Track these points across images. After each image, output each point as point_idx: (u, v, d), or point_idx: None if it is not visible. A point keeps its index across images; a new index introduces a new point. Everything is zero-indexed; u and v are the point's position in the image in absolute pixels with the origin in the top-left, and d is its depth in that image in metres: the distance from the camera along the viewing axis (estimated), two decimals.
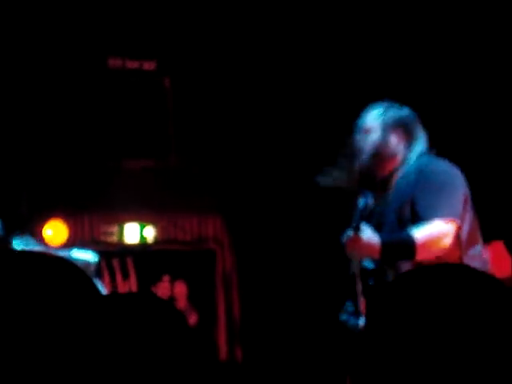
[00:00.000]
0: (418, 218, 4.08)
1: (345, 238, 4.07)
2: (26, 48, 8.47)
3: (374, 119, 4.38)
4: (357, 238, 3.99)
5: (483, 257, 4.41)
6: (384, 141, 4.34)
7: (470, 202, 4.27)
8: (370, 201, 4.28)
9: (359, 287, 4.11)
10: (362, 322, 4.02)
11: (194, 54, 9.04)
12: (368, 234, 4.00)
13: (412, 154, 4.33)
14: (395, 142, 4.34)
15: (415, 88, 7.87)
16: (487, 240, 7.43)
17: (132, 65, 8.90)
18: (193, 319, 9.39)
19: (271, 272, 8.80)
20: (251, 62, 8.92)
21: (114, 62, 8.81)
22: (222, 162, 9.28)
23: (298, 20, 8.56)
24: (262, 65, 8.94)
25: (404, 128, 4.36)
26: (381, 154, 4.36)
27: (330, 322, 4.67)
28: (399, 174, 4.30)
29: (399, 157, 4.37)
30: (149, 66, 8.95)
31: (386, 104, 4.47)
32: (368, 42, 8.19)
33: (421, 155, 4.35)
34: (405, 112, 4.45)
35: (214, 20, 8.76)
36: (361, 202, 4.18)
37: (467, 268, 1.49)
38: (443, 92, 7.91)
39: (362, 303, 4.09)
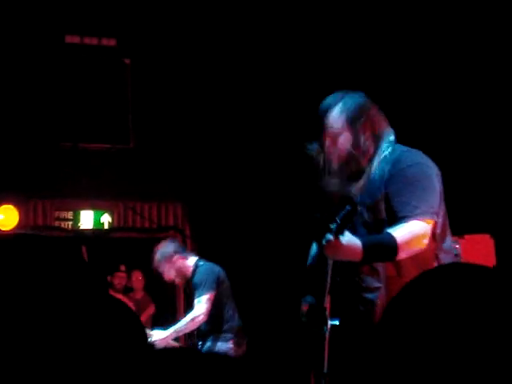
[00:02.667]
0: (394, 216, 3.86)
1: (324, 242, 3.83)
2: None
3: (336, 120, 4.08)
4: (337, 242, 3.76)
5: (455, 248, 4.21)
6: (355, 141, 4.07)
7: (442, 195, 4.06)
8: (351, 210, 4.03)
9: (328, 284, 3.89)
10: (332, 321, 3.84)
11: (156, 35, 8.73)
12: (348, 238, 3.78)
13: (382, 142, 4.07)
14: (364, 137, 4.07)
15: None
16: (475, 232, 7.43)
17: (91, 41, 8.52)
18: (151, 310, 9.07)
19: (232, 261, 8.53)
20: (215, 42, 8.64)
21: (72, 39, 8.43)
22: (182, 147, 8.97)
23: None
24: (226, 47, 8.67)
25: (367, 116, 4.08)
26: (355, 156, 4.10)
27: (290, 316, 4.53)
28: (372, 168, 4.04)
29: (371, 150, 4.10)
30: (109, 42, 8.58)
31: (340, 96, 4.16)
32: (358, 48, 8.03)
33: (391, 144, 4.10)
34: (361, 98, 4.15)
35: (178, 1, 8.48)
36: (346, 207, 3.92)
37: (485, 268, 1.49)
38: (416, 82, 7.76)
39: (328, 300, 3.88)
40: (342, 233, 3.77)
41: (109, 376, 1.48)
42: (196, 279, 6.51)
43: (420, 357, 1.38)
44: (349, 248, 3.76)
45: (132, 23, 8.68)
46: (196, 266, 6.56)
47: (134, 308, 9.08)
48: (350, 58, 7.99)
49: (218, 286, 6.46)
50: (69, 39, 8.52)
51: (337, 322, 3.85)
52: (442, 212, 4.02)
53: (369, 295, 3.91)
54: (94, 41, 8.63)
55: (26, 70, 8.42)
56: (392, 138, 4.12)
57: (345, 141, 4.03)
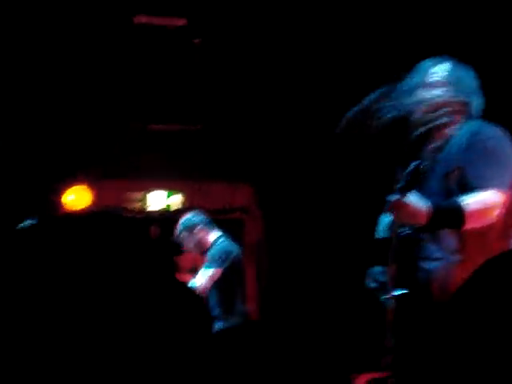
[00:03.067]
0: (467, 187, 3.79)
1: (390, 201, 3.77)
2: (53, 7, 8.16)
3: (442, 71, 4.07)
4: (403, 202, 3.70)
5: None
6: (451, 98, 4.03)
7: None
8: (423, 164, 3.97)
9: (393, 252, 3.83)
10: (396, 291, 3.79)
11: (227, 16, 8.71)
12: (416, 199, 3.71)
13: (469, 112, 4.04)
14: (459, 99, 4.04)
15: None
16: None
17: (159, 21, 8.53)
18: None
19: (301, 241, 8.50)
20: (287, 20, 8.57)
21: (141, 19, 8.45)
22: (252, 128, 8.95)
23: None
24: (295, 29, 8.60)
25: (466, 86, 4.05)
26: (444, 111, 4.04)
27: (357, 289, 4.52)
28: (452, 134, 3.99)
29: (457, 119, 4.06)
30: (178, 22, 8.57)
31: (449, 60, 4.16)
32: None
33: (472, 119, 4.05)
34: (469, 72, 4.13)
35: None
36: (412, 164, 3.89)
37: None
38: None
39: (393, 269, 3.82)
40: (408, 192, 3.73)
41: (171, 356, 1.47)
42: (209, 253, 6.58)
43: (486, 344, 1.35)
44: (414, 208, 3.73)
45: (201, 3, 8.66)
46: (215, 241, 6.56)
47: None
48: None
49: (228, 264, 6.47)
50: (137, 19, 8.55)
51: (401, 292, 3.79)
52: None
53: (427, 265, 3.83)
54: (164, 21, 8.64)
55: (95, 51, 8.48)
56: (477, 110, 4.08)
57: (443, 92, 4.01)
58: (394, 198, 3.76)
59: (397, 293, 3.80)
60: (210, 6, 8.52)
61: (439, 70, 4.11)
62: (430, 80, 4.09)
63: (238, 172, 8.94)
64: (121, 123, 8.65)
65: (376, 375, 6.93)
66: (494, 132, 3.96)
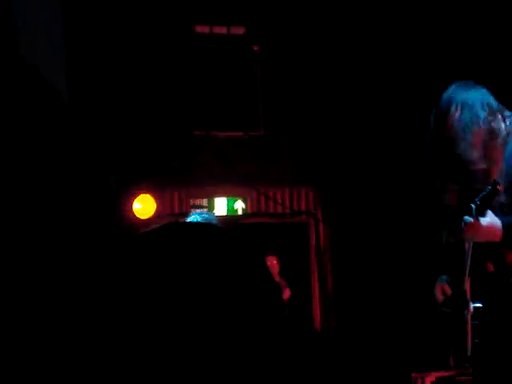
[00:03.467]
0: None
1: (464, 223, 3.78)
2: (114, 16, 8.31)
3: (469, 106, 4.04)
4: (476, 223, 3.70)
5: None
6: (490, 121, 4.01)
7: None
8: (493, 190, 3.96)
9: (467, 266, 3.84)
10: (475, 305, 3.81)
11: (285, 22, 8.78)
12: (489, 219, 3.72)
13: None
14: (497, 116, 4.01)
15: None
16: None
17: (220, 30, 8.64)
18: (286, 294, 9.16)
19: (364, 245, 8.51)
20: (343, 28, 8.62)
21: (202, 28, 8.57)
22: (313, 132, 9.00)
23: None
24: (358, 36, 8.63)
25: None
26: (493, 134, 4.03)
27: (423, 298, 4.51)
28: (508, 146, 3.98)
29: (504, 128, 4.04)
30: (237, 31, 8.68)
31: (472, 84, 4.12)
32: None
33: None
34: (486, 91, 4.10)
35: None
36: (488, 188, 3.88)
37: None
38: None
39: (468, 282, 3.83)
40: (482, 214, 3.72)
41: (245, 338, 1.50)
42: None
43: None
44: (489, 229, 3.71)
45: (260, 10, 8.75)
46: None
47: None
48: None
49: None
50: (199, 29, 8.67)
51: (479, 305, 3.80)
52: None
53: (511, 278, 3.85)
54: (223, 30, 8.75)
55: (158, 60, 8.62)
56: None
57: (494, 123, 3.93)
58: (467, 219, 3.77)
59: (475, 305, 3.82)
60: (267, 14, 8.61)
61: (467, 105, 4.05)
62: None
63: (301, 176, 9.00)
64: (184, 131, 8.76)
65: (442, 374, 6.93)
66: None
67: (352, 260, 8.66)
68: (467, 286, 3.88)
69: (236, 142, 8.99)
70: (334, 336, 8.61)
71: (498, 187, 3.75)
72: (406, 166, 8.44)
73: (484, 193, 3.76)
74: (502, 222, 3.72)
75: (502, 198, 3.87)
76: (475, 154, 3.96)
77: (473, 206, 3.73)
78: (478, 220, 3.70)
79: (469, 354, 3.75)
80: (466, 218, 3.77)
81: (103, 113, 8.42)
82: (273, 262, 9.40)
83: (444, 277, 4.07)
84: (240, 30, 8.78)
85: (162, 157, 8.71)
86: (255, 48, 8.93)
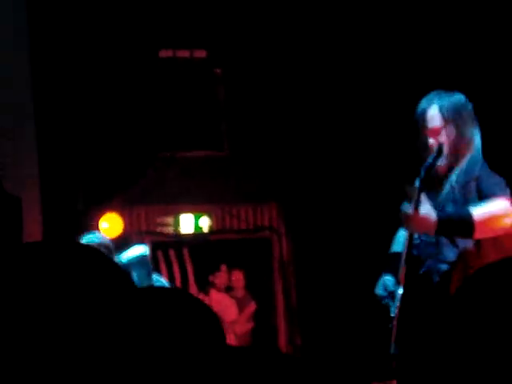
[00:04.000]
0: (481, 196, 3.98)
1: (402, 213, 4.00)
2: (81, 42, 8.53)
3: (436, 117, 4.23)
4: (414, 213, 3.91)
5: None
6: (458, 133, 4.20)
7: None
8: (437, 159, 4.13)
9: (403, 256, 4.05)
10: (400, 290, 3.98)
11: (245, 44, 9.02)
12: (425, 210, 3.92)
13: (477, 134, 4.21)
14: (466, 127, 4.21)
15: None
16: None
17: (183, 54, 8.91)
18: (251, 308, 9.41)
19: (326, 258, 8.76)
20: (304, 51, 8.87)
21: (165, 53, 8.83)
22: (274, 150, 9.26)
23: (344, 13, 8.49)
24: (315, 55, 8.88)
25: (465, 111, 4.22)
26: (461, 146, 4.23)
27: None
28: (474, 151, 4.17)
29: (475, 139, 4.24)
30: (199, 54, 8.95)
31: (440, 94, 4.31)
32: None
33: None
34: (459, 97, 4.30)
35: (267, 9, 8.74)
36: (423, 168, 4.08)
37: None
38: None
39: (403, 271, 4.03)
40: (418, 204, 3.92)
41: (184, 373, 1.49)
42: None
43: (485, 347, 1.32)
44: (425, 220, 3.90)
45: (221, 34, 9.01)
46: None
47: (236, 306, 9.46)
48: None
49: None
50: (162, 53, 8.93)
51: (400, 290, 3.99)
52: None
53: (445, 266, 3.99)
54: (186, 53, 9.02)
55: (123, 84, 8.86)
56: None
57: (449, 133, 4.12)
58: (406, 209, 3.97)
59: (400, 291, 3.99)
60: (229, 37, 8.86)
61: (432, 116, 4.25)
62: (431, 128, 4.25)
63: (263, 193, 9.25)
64: (149, 152, 9.00)
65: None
66: None
67: (315, 273, 8.88)
68: (402, 275, 4.03)
69: (201, 161, 9.24)
70: (299, 352, 8.84)
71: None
72: (365, 179, 8.70)
73: (429, 161, 3.96)
74: (438, 216, 3.92)
75: (457, 194, 4.09)
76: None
77: (416, 185, 3.92)
78: (415, 210, 3.89)
79: (392, 350, 3.90)
80: (404, 207, 3.97)
81: (69, 134, 8.64)
82: (238, 277, 9.67)
83: (386, 277, 4.25)
84: (202, 54, 9.06)
85: (128, 176, 8.93)
86: (217, 71, 9.21)
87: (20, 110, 7.44)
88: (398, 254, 4.19)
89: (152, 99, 8.99)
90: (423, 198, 3.95)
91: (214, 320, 1.60)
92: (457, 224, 3.97)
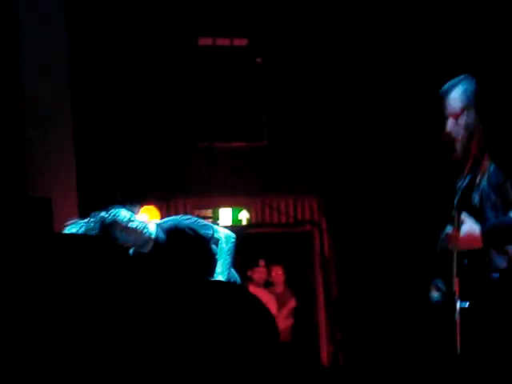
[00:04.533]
0: None
1: (444, 235, 3.86)
2: (120, 29, 8.40)
3: (458, 99, 4.08)
4: (456, 234, 3.76)
5: None
6: (477, 121, 4.05)
7: None
8: (468, 180, 4.00)
9: (455, 267, 3.90)
10: (461, 304, 3.86)
11: (286, 33, 8.86)
12: (467, 227, 3.77)
13: None
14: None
15: None
16: None
17: (223, 42, 8.73)
18: (291, 304, 9.20)
19: (368, 254, 8.56)
20: (345, 41, 8.69)
21: (205, 41, 8.67)
22: (316, 141, 9.07)
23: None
24: (355, 45, 8.71)
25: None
26: (479, 134, 4.08)
27: (422, 303, 4.57)
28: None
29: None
30: (240, 42, 8.77)
31: (461, 78, 4.17)
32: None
33: None
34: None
35: None
36: (459, 189, 3.93)
37: None
38: None
39: (456, 283, 3.89)
40: (460, 222, 3.77)
41: (238, 370, 1.51)
42: None
43: None
44: (468, 238, 3.76)
45: (263, 23, 8.84)
46: None
47: (275, 302, 9.24)
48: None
49: None
50: (202, 41, 8.76)
51: (466, 305, 3.85)
52: None
53: (496, 275, 3.83)
54: (226, 41, 8.84)
55: (162, 73, 8.71)
56: None
57: (468, 118, 4.04)
58: (448, 230, 3.83)
59: (462, 305, 3.86)
60: (270, 26, 8.69)
61: (454, 98, 4.10)
62: (454, 110, 4.09)
63: (305, 186, 9.06)
64: (188, 142, 8.84)
65: None
66: None
67: (357, 269, 8.71)
68: (456, 287, 3.93)
69: (240, 152, 9.06)
70: (339, 347, 8.67)
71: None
72: (407, 174, 8.52)
73: (461, 185, 3.82)
74: (483, 229, 3.77)
75: (493, 198, 3.92)
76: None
77: (452, 214, 3.80)
78: (457, 230, 3.75)
79: (458, 352, 3.80)
80: (447, 229, 3.84)
81: (108, 124, 8.50)
82: (278, 272, 9.46)
83: (438, 281, 4.12)
84: (243, 42, 8.87)
85: (166, 167, 8.79)
86: (258, 60, 9.01)
87: (58, 98, 7.33)
88: (446, 253, 4.03)
89: (191, 88, 8.83)
90: (464, 216, 3.81)
91: (269, 318, 1.64)
92: (503, 232, 3.83)
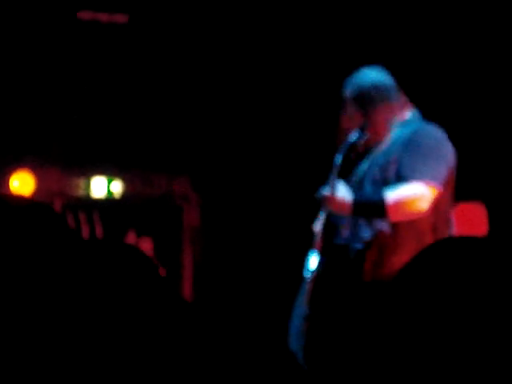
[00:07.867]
0: (399, 178, 4.07)
1: (320, 195, 4.12)
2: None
3: (349, 98, 4.32)
4: (331, 196, 4.02)
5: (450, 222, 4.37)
6: (366, 121, 4.28)
7: (453, 176, 4.25)
8: (358, 138, 4.25)
9: (320, 226, 4.15)
10: (315, 256, 4.07)
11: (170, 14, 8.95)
12: (341, 193, 4.03)
13: (396, 125, 4.28)
14: (379, 117, 4.29)
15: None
16: (466, 199, 7.45)
17: (104, 18, 8.83)
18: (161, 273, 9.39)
19: (237, 229, 8.83)
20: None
21: (85, 15, 8.76)
22: (189, 128, 9.25)
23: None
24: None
25: (382, 98, 4.28)
26: (377, 131, 4.32)
27: (293, 277, 4.69)
28: (396, 133, 4.27)
29: (385, 131, 4.32)
30: (121, 19, 8.89)
31: (352, 77, 4.40)
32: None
33: (418, 119, 4.33)
34: (378, 77, 4.37)
35: None
36: (338, 158, 4.20)
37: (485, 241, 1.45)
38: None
39: (319, 242, 4.13)
40: (335, 187, 4.05)
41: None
42: None
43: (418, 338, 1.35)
44: (340, 203, 4.03)
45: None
46: None
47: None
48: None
49: None
50: (82, 15, 8.84)
51: (321, 260, 4.10)
52: (450, 189, 4.24)
53: (359, 245, 4.14)
54: (107, 17, 8.94)
55: (38, 48, 8.70)
56: (410, 117, 4.36)
57: (356, 118, 4.29)
58: (324, 191, 4.09)
59: (316, 258, 4.10)
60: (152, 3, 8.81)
61: (347, 96, 4.34)
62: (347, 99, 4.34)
63: (176, 163, 9.27)
64: (64, 112, 8.92)
65: None
66: (433, 131, 4.26)
67: (225, 244, 8.93)
68: (318, 243, 4.15)
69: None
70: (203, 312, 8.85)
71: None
72: (280, 151, 8.74)
73: (351, 140, 4.07)
74: (353, 198, 4.05)
75: (377, 175, 4.19)
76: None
77: (337, 163, 4.03)
78: (332, 192, 4.02)
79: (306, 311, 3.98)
80: (323, 190, 4.11)
81: None
82: (147, 243, 9.65)
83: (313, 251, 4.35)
84: (124, 19, 8.99)
85: (41, 135, 8.81)
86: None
87: None
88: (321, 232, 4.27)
89: (70, 63, 8.89)
90: (340, 180, 4.07)
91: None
92: (370, 207, 4.08)
